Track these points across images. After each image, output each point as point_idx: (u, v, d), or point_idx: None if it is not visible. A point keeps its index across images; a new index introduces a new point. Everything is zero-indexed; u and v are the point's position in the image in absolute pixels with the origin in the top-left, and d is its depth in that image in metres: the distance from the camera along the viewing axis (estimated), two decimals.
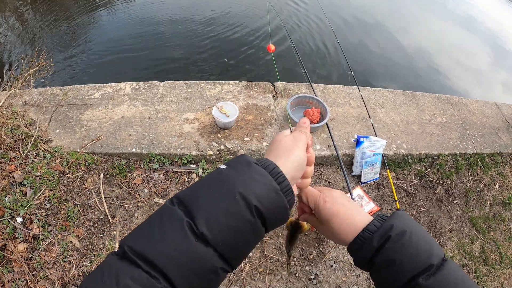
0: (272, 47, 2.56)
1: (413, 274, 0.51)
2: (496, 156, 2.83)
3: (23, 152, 2.09)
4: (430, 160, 2.62)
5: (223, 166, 0.50)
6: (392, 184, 2.39)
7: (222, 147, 2.22)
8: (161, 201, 2.08)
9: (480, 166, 2.76)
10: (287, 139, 0.57)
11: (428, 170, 2.61)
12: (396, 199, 2.34)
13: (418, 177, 2.57)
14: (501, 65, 5.64)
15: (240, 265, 1.92)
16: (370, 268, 0.57)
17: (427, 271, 0.50)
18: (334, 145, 2.25)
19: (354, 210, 0.61)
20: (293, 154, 0.55)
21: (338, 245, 2.09)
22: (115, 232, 1.96)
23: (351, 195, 2.02)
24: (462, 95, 4.29)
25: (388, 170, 2.41)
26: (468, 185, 2.68)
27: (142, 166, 2.18)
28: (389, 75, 4.64)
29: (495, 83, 5.25)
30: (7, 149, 2.07)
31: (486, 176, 2.77)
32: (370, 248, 0.55)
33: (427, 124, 2.76)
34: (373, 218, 0.59)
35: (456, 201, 2.59)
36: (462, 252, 2.38)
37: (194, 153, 2.17)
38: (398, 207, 2.28)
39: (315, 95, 2.56)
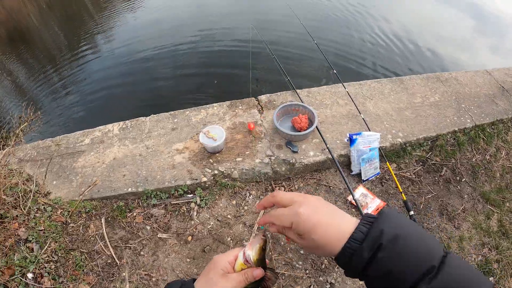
0: (252, 125, 2.59)
1: (414, 280, 0.46)
2: (497, 124, 2.75)
3: (24, 209, 2.12)
4: (429, 143, 2.56)
5: None
6: (394, 176, 2.33)
7: (216, 172, 2.21)
8: (165, 236, 2.08)
9: (483, 138, 2.69)
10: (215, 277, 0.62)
11: (430, 153, 2.55)
12: (401, 190, 2.28)
13: (421, 163, 2.51)
14: (485, 30, 5.52)
15: None
16: (364, 279, 0.52)
17: (428, 274, 0.46)
18: (327, 148, 2.21)
19: (336, 214, 0.55)
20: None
21: None
22: (124, 274, 1.97)
23: (353, 196, 1.98)
24: (453, 69, 4.21)
25: (387, 163, 2.36)
26: (473, 160, 2.61)
27: (140, 204, 2.18)
28: (374, 64, 4.57)
29: (482, 49, 5.13)
30: (8, 208, 2.10)
31: (491, 146, 2.69)
32: (360, 260, 0.50)
33: (420, 107, 2.70)
34: (358, 220, 0.53)
35: (464, 179, 2.52)
36: (480, 231, 2.30)
37: (188, 182, 2.16)
38: (405, 199, 2.22)
39: (301, 101, 2.53)
